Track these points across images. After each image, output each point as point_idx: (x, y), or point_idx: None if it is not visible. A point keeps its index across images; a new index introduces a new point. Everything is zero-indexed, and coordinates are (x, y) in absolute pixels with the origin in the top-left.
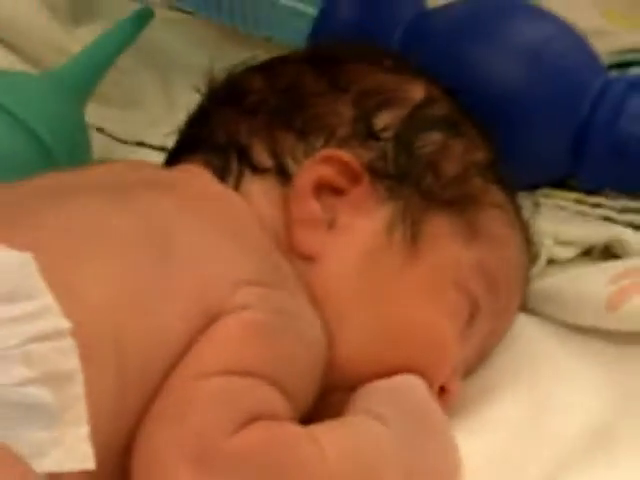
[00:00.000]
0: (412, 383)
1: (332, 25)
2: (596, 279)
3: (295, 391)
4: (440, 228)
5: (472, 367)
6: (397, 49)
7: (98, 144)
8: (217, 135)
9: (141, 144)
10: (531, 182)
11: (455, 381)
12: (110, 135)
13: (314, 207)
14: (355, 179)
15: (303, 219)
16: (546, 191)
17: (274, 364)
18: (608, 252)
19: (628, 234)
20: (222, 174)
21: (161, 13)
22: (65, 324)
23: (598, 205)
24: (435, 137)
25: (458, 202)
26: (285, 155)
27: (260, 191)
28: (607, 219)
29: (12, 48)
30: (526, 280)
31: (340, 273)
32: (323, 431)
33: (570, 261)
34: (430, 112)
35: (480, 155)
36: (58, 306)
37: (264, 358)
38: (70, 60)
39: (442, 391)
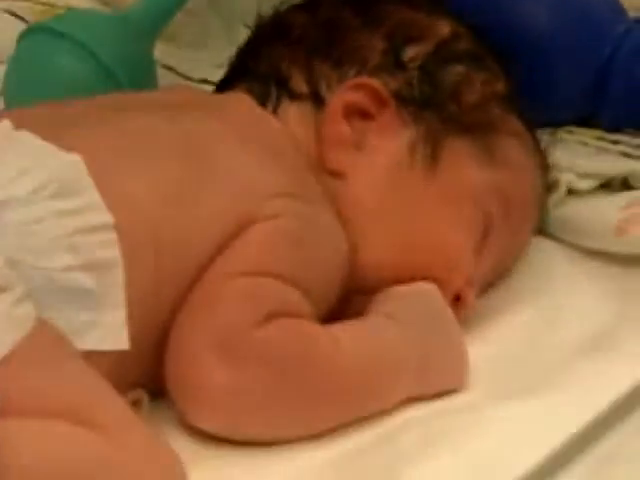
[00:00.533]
0: (427, 289)
1: None
2: (609, 207)
3: (317, 293)
4: (459, 150)
5: (491, 282)
6: None
7: (165, 80)
8: (261, 65)
9: (205, 81)
10: (556, 120)
11: (470, 291)
12: (177, 72)
13: (344, 128)
14: (382, 104)
15: (334, 139)
16: (570, 128)
17: (298, 268)
18: (627, 186)
19: None
20: (262, 100)
21: None
22: (108, 219)
23: (617, 142)
24: (458, 69)
25: (477, 128)
26: (320, 83)
27: (296, 114)
28: (625, 155)
29: None
30: (541, 204)
31: (366, 188)
32: (342, 329)
33: (590, 192)
34: (455, 47)
35: (500, 87)
36: (103, 203)
37: (289, 262)
38: (140, 2)
39: (458, 300)
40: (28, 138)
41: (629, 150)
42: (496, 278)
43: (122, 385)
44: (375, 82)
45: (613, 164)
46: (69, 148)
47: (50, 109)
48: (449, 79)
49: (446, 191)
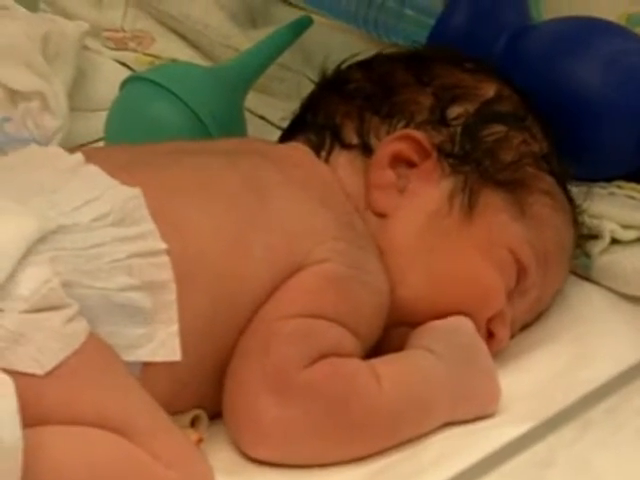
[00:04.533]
0: (463, 324)
1: (446, 32)
2: None
3: (363, 332)
4: (493, 202)
5: (527, 323)
6: (500, 55)
7: (257, 129)
8: (318, 117)
9: None
10: (605, 175)
11: (503, 329)
12: (269, 122)
13: (389, 174)
14: (425, 155)
15: (379, 183)
16: (619, 183)
17: (346, 309)
18: None
19: None
20: (317, 149)
21: (321, 19)
22: (162, 245)
23: None
24: (498, 129)
25: (510, 184)
26: (370, 134)
27: (346, 162)
28: None
29: (192, 44)
30: (569, 257)
31: (406, 229)
32: (382, 364)
33: (633, 242)
34: (497, 108)
35: (536, 147)
36: (157, 232)
37: (337, 304)
38: (235, 58)
39: (491, 336)
40: (95, 171)
41: None
42: (532, 319)
43: (181, 405)
44: (419, 134)
45: None
46: (132, 185)
47: (120, 150)
48: (488, 138)
49: (480, 237)
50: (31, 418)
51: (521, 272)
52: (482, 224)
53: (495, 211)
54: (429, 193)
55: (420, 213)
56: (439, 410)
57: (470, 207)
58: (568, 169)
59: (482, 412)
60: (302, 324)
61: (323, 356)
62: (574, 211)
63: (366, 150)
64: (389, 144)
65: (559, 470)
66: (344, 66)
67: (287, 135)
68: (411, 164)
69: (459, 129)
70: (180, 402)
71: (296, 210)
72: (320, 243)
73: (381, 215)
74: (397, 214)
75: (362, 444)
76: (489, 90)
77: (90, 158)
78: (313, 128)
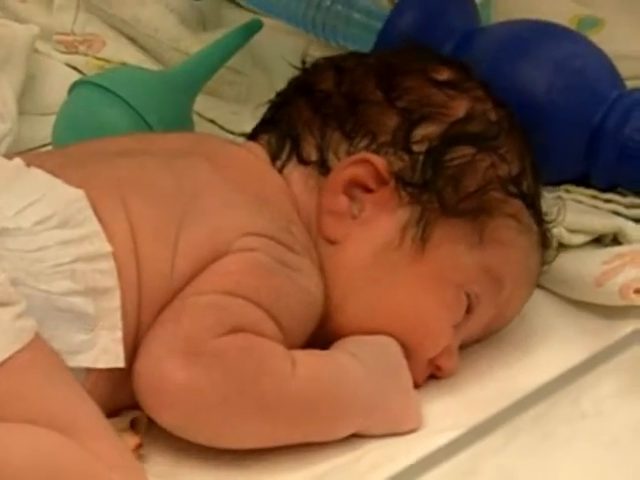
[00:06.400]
0: (392, 344)
1: (393, 36)
2: (593, 261)
3: (286, 323)
4: (449, 234)
5: (480, 339)
6: None
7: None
8: (283, 121)
9: (245, 135)
10: (554, 179)
11: (448, 361)
12: (219, 125)
13: (342, 201)
14: (382, 182)
15: (331, 209)
16: (567, 187)
17: (268, 295)
18: (618, 242)
19: (629, 225)
20: (275, 155)
21: (271, 22)
22: (107, 248)
23: (609, 201)
24: (464, 152)
25: (471, 213)
26: (329, 151)
27: (300, 178)
28: (616, 213)
29: (142, 47)
30: (534, 277)
31: (354, 258)
32: (301, 354)
33: (581, 247)
34: (465, 129)
35: (505, 170)
36: (103, 233)
37: (259, 288)
38: (184, 61)
39: (438, 369)
40: (36, 172)
41: (620, 209)
42: (487, 336)
43: (119, 405)
44: (378, 160)
45: (602, 221)
46: (73, 183)
47: (59, 153)
48: (452, 162)
49: (429, 273)
50: None
51: (473, 302)
52: (433, 260)
53: (450, 244)
54: (381, 223)
55: (370, 244)
56: (352, 412)
57: (423, 241)
58: (540, 186)
59: (395, 429)
60: (219, 298)
61: (239, 330)
62: (543, 231)
63: (323, 168)
64: (346, 168)
65: (482, 479)
66: (319, 61)
67: (259, 127)
68: (368, 189)
69: (422, 156)
70: (118, 403)
71: (224, 209)
72: (246, 235)
73: (331, 241)
74: (347, 242)
75: (268, 426)
76: (459, 108)
77: (29, 162)
78: (276, 131)
